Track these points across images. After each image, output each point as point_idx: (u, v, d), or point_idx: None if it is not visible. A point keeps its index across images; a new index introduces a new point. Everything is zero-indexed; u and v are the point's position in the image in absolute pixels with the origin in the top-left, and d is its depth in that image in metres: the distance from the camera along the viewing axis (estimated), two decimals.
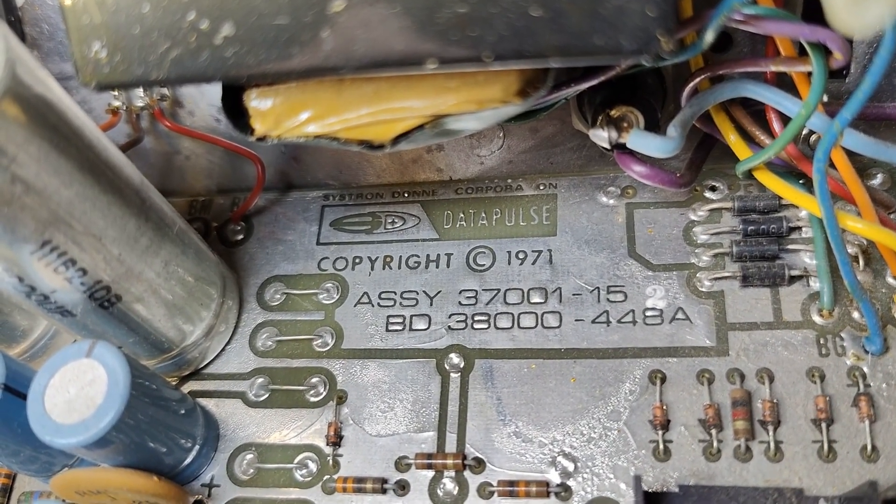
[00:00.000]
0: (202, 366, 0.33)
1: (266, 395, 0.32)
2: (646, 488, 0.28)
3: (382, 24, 0.20)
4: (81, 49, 0.22)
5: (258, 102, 0.25)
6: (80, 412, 0.26)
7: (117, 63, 0.22)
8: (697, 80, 0.29)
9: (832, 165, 0.30)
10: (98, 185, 0.25)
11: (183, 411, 0.30)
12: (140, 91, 0.36)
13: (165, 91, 0.35)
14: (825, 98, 0.30)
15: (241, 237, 0.37)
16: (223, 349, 0.34)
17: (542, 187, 0.35)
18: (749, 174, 0.32)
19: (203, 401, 0.32)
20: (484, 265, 0.34)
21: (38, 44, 0.36)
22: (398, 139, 0.25)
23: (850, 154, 0.30)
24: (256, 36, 0.21)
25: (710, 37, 0.23)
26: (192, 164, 0.38)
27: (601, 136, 0.27)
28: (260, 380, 0.33)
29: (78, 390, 0.26)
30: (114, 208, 0.26)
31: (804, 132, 0.32)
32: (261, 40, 0.21)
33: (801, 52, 0.26)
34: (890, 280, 0.30)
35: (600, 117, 0.28)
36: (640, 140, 0.27)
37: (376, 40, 0.20)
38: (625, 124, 0.28)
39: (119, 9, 0.22)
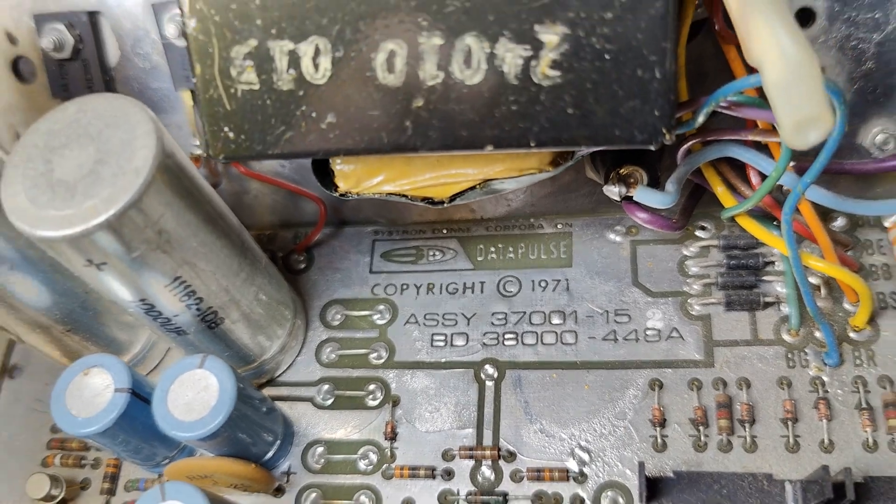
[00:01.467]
0: (276, 375, 0.39)
1: (332, 400, 0.38)
2: (648, 474, 0.34)
3: (452, 116, 0.27)
4: (213, 130, 0.29)
5: (342, 166, 0.32)
6: (197, 412, 0.32)
7: (242, 141, 0.28)
8: (690, 143, 0.36)
9: (799, 212, 0.37)
10: (214, 232, 0.31)
11: (266, 411, 0.36)
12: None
13: None
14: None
15: (303, 266, 0.43)
16: (293, 361, 0.40)
17: (559, 226, 0.41)
18: (732, 219, 0.38)
19: (278, 404, 0.38)
20: (512, 292, 0.40)
21: None
22: (454, 197, 0.31)
23: (815, 203, 0.37)
24: (354, 123, 0.28)
25: (701, 119, 0.30)
26: (260, 202, 0.44)
27: (613, 191, 0.34)
28: (326, 387, 0.39)
29: (194, 395, 0.32)
30: (224, 250, 0.32)
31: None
32: (357, 126, 0.28)
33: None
34: (846, 306, 0.36)
35: (612, 175, 0.34)
36: (644, 195, 0.34)
37: (447, 129, 0.27)
38: (631, 180, 0.34)
39: (246, 100, 0.28)
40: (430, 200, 0.31)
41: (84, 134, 0.28)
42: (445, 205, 0.31)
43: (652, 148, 0.26)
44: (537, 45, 0.25)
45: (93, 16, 0.41)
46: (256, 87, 0.28)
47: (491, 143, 0.27)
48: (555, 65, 0.25)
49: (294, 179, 0.43)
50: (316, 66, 0.27)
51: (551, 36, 0.25)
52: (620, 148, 0.27)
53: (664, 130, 0.25)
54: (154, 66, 0.41)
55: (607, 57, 0.25)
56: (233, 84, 0.28)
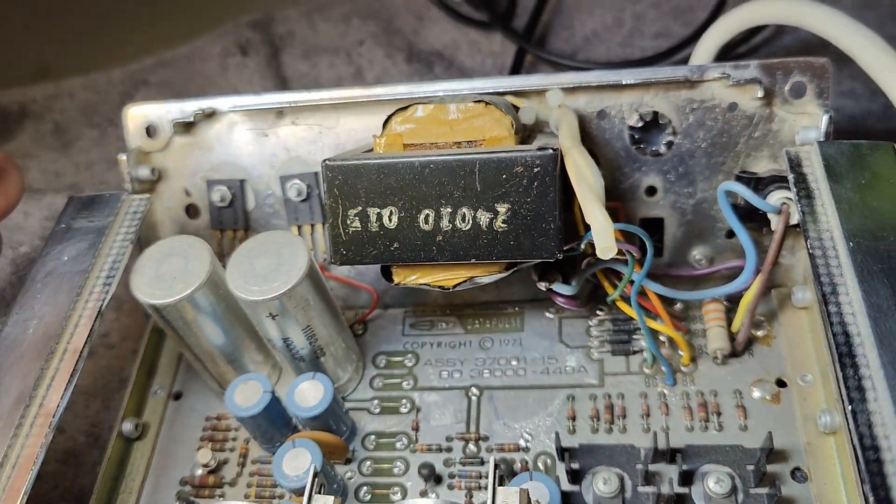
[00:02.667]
0: (346, 395, 0.55)
1: (379, 409, 0.54)
2: (564, 444, 0.47)
3: (456, 245, 0.53)
4: (335, 249, 0.53)
5: (397, 269, 0.57)
6: (311, 402, 0.55)
7: (349, 254, 0.52)
8: (587, 259, 0.58)
9: (649, 298, 0.63)
10: (328, 305, 0.52)
11: (344, 411, 0.57)
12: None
13: (325, 255, 0.66)
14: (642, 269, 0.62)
15: (361, 332, 0.60)
16: (356, 387, 0.56)
17: (516, 308, 0.58)
18: (615, 303, 0.61)
19: (350, 412, 0.57)
20: (488, 346, 0.57)
21: (256, 230, 0.60)
22: (455, 286, 0.55)
23: (659, 295, 0.62)
24: (408, 246, 0.51)
25: (582, 246, 0.57)
26: (335, 293, 0.67)
27: (541, 285, 0.58)
28: (375, 401, 0.54)
29: (309, 392, 0.56)
30: (328, 312, 0.53)
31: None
32: (409, 248, 0.51)
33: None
34: (679, 352, 0.54)
35: (542, 277, 0.61)
36: (559, 287, 0.58)
37: (453, 251, 0.50)
38: (552, 279, 0.60)
39: (353, 235, 0.52)
40: (442, 287, 0.56)
41: (269, 250, 0.54)
42: (451, 290, 0.55)
43: (552, 260, 0.52)
44: (495, 213, 0.51)
45: (242, 182, 0.63)
46: (359, 229, 0.51)
47: (474, 258, 0.52)
48: (504, 221, 0.50)
49: (356, 279, 0.67)
50: (390, 220, 0.51)
51: (502, 208, 0.51)
52: (537, 261, 0.53)
53: (556, 252, 0.52)
54: (275, 212, 0.59)
55: (528, 218, 0.50)
56: (347, 227, 0.52)
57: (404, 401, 0.56)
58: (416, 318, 0.61)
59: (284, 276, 0.48)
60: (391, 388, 0.56)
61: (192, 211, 0.61)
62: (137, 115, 0.57)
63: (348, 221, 0.50)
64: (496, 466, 0.41)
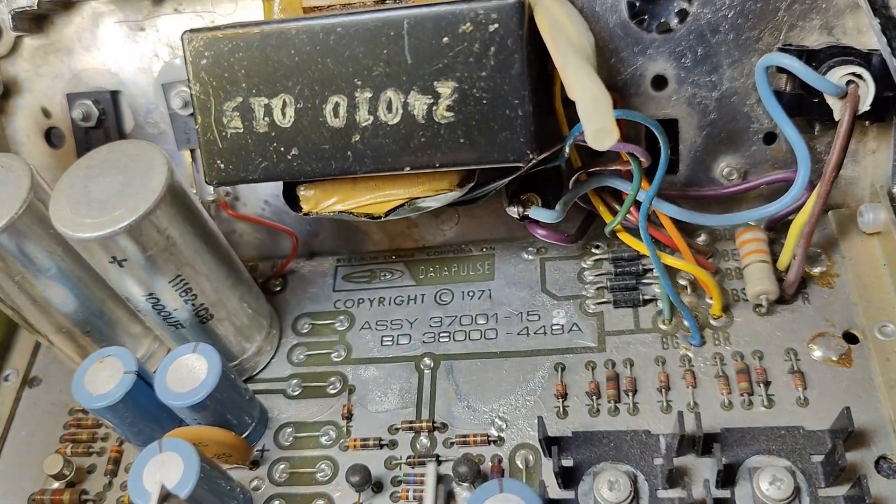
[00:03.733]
0: (255, 373, 0.46)
1: (300, 391, 0.45)
2: (550, 434, 0.41)
3: (380, 147, 0.37)
4: (209, 162, 0.38)
5: (305, 192, 0.41)
6: (189, 385, 0.40)
7: (230, 170, 0.38)
8: (577, 174, 0.45)
9: (664, 228, 0.46)
10: (207, 244, 0.40)
11: (247, 397, 0.44)
12: (211, 189, 0.52)
13: (229, 189, 0.52)
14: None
15: (279, 289, 0.50)
16: (269, 362, 0.47)
17: (484, 249, 0.49)
18: (616, 235, 0.48)
19: (257, 396, 0.46)
20: (446, 301, 0.48)
21: None
22: (388, 213, 0.40)
23: (680, 221, 0.46)
24: (311, 154, 0.37)
25: (566, 150, 0.40)
26: (244, 239, 0.52)
27: (513, 211, 0.43)
28: (295, 381, 0.45)
29: (188, 372, 0.40)
30: (214, 258, 0.41)
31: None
32: (313, 157, 0.37)
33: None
34: (707, 300, 0.44)
35: (513, 199, 0.44)
36: (537, 212, 0.43)
37: (376, 156, 0.36)
38: (529, 203, 0.44)
39: (233, 140, 0.38)
40: (370, 216, 0.40)
41: (114, 167, 0.38)
42: (382, 219, 0.40)
43: (521, 165, 0.36)
44: (436, 96, 0.35)
45: (114, 94, 0.50)
46: (241, 130, 0.37)
47: (408, 166, 0.36)
48: (449, 108, 0.35)
49: (272, 219, 0.52)
50: (283, 115, 0.37)
51: (445, 89, 0.35)
52: (500, 166, 0.36)
53: (528, 152, 0.35)
54: (161, 132, 0.51)
55: (484, 102, 0.35)
56: (224, 129, 0.38)
57: (333, 379, 0.45)
58: (352, 268, 0.51)
59: (130, 200, 0.36)
60: (316, 361, 0.47)
61: (54, 137, 0.53)
62: None
63: (224, 120, 0.36)
64: (438, 479, 0.26)
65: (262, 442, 0.44)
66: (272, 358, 0.47)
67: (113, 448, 0.45)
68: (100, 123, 0.50)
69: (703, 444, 0.37)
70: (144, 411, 0.42)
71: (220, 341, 0.44)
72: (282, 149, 0.37)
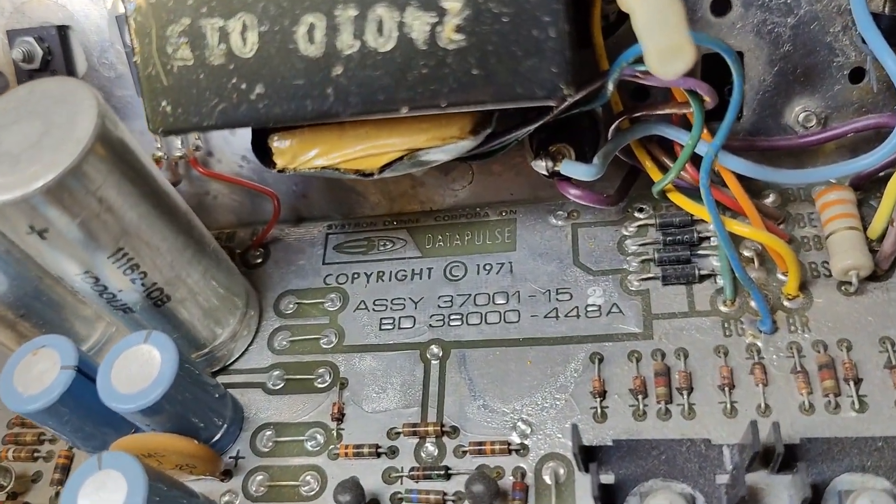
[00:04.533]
0: (229, 363, 0.40)
1: (282, 385, 0.39)
2: (586, 443, 0.34)
3: (369, 82, 0.29)
4: (152, 105, 0.31)
5: (279, 143, 0.33)
6: (138, 384, 0.33)
7: (179, 114, 0.30)
8: (618, 121, 0.37)
9: (725, 185, 0.38)
10: (157, 208, 0.33)
11: (217, 395, 0.37)
12: (178, 143, 0.44)
13: (199, 143, 0.44)
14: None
15: (260, 261, 0.44)
16: (246, 349, 0.41)
17: (504, 213, 0.43)
18: (666, 197, 0.40)
19: (231, 390, 0.39)
20: (458, 276, 0.41)
21: None
22: (383, 168, 0.33)
23: (746, 178, 0.38)
24: (280, 93, 0.29)
25: (610, 87, 0.32)
26: (220, 202, 0.46)
27: (540, 166, 0.35)
28: (276, 372, 0.40)
29: (137, 368, 0.33)
30: (167, 226, 0.34)
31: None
32: (283, 96, 0.29)
33: None
34: (780, 276, 0.37)
35: (541, 151, 0.36)
36: (570, 167, 0.35)
37: (365, 93, 0.29)
38: (560, 157, 0.36)
39: (181, 75, 0.30)
40: (361, 173, 0.32)
41: (32, 111, 0.30)
42: (375, 176, 0.32)
43: (553, 104, 0.28)
44: (441, 12, 0.27)
45: (62, 30, 0.44)
46: (191, 62, 0.30)
47: (406, 106, 0.28)
48: (458, 29, 0.27)
49: (253, 178, 0.45)
50: (244, 41, 0.29)
51: (453, 3, 0.27)
52: (524, 105, 0.28)
53: (562, 87, 0.27)
54: (119, 74, 0.44)
55: (505, 20, 0.27)
56: (169, 61, 0.30)
57: (322, 370, 0.40)
58: (345, 236, 0.45)
59: (50, 153, 0.29)
60: (302, 348, 0.41)
61: None
62: None
63: (169, 49, 0.30)
64: None
65: (237, 447, 0.38)
66: (250, 344, 0.42)
67: (62, 452, 0.40)
68: (45, 65, 0.44)
69: (781, 458, 0.31)
70: (90, 413, 0.35)
71: (184, 326, 0.37)
72: (243, 86, 0.29)
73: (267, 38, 0.28)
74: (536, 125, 0.34)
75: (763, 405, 0.34)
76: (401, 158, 0.32)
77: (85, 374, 0.34)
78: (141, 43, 0.30)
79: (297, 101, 0.29)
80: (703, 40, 0.30)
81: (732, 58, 0.29)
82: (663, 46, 0.21)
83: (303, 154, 0.33)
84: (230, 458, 0.37)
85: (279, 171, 0.33)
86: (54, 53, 0.44)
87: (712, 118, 0.34)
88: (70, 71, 0.44)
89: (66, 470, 0.39)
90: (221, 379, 0.40)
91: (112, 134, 0.30)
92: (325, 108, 0.29)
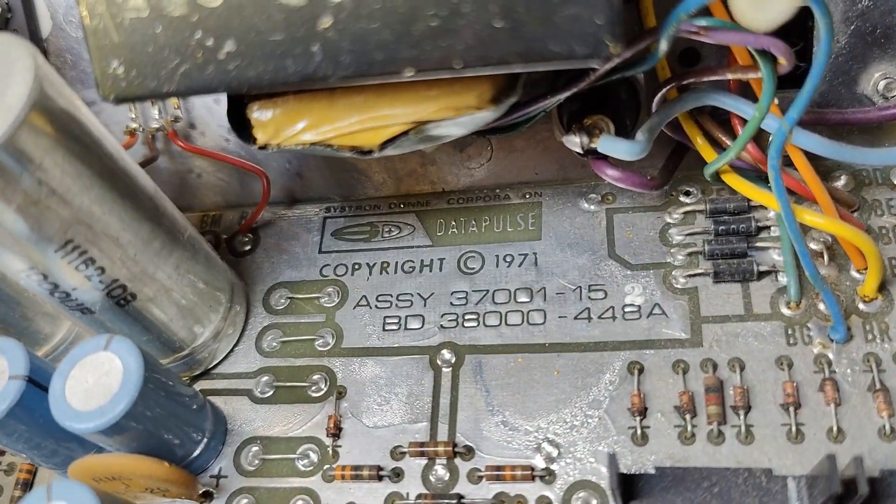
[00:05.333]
0: (211, 366, 0.36)
1: (271, 392, 0.35)
2: (624, 470, 0.29)
3: (364, 37, 0.23)
4: (102, 66, 0.25)
5: (259, 114, 0.28)
6: (97, 400, 0.28)
7: (133, 78, 0.25)
8: (665, 89, 0.32)
9: (794, 168, 0.32)
10: (115, 190, 0.28)
11: (194, 406, 0.32)
12: (155, 113, 0.39)
13: (179, 113, 0.38)
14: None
15: (248, 248, 0.40)
16: (231, 350, 0.36)
17: (527, 196, 0.38)
18: (719, 179, 0.34)
19: (212, 398, 0.34)
20: (474, 268, 0.36)
21: (63, 73, 0.39)
22: (385, 144, 0.27)
23: (815, 158, 0.32)
24: (255, 51, 0.24)
25: (663, 46, 0.26)
26: (204, 181, 0.41)
27: (574, 142, 0.30)
28: (265, 378, 0.35)
29: (96, 380, 0.28)
30: (129, 212, 0.28)
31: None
32: (259, 54, 0.24)
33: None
34: (854, 274, 0.32)
35: (574, 125, 0.30)
36: (609, 144, 0.30)
37: (359, 52, 0.23)
38: (596, 131, 0.30)
39: (134, 29, 0.25)
40: (358, 150, 0.27)
41: None
42: (375, 154, 0.27)
43: (596, 66, 0.22)
44: None
45: None
46: (145, 13, 0.24)
47: (410, 67, 0.23)
48: None
49: (240, 154, 0.40)
50: None
51: None
52: (560, 67, 0.22)
53: (608, 42, 0.21)
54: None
55: None
56: (119, 12, 0.24)
57: (317, 376, 0.35)
58: (345, 220, 0.40)
59: None
60: (294, 350, 0.37)
61: None
62: None
63: None
64: None
65: (219, 464, 0.34)
66: (236, 344, 0.37)
67: (23, 466, 0.36)
68: (5, 23, 0.40)
69: (848, 489, 0.26)
70: (49, 428, 0.30)
71: (155, 327, 0.32)
72: (209, 42, 0.24)
73: None
74: (569, 93, 0.28)
75: (835, 429, 0.29)
76: (405, 133, 0.26)
77: (38, 384, 0.30)
78: None
79: (275, 60, 0.24)
80: None
81: (820, 6, 0.23)
82: None
83: (288, 127, 0.27)
84: (211, 476, 0.33)
85: (260, 148, 0.28)
86: (14, 10, 0.39)
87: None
88: (32, 30, 0.40)
89: (27, 486, 0.35)
90: (203, 384, 0.35)
91: (54, 102, 0.25)
92: (310, 69, 0.23)
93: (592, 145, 0.30)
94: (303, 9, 0.23)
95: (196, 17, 0.24)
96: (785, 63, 0.26)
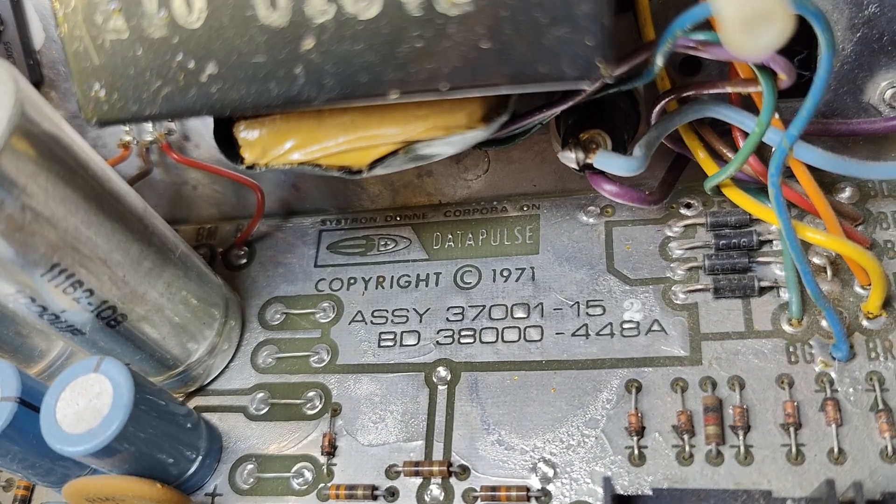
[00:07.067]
0: (207, 382, 0.35)
1: (266, 409, 0.34)
2: (620, 491, 0.29)
3: (348, 59, 0.23)
4: (83, 89, 0.25)
5: (246, 133, 0.28)
6: (87, 422, 0.28)
7: (115, 101, 0.25)
8: (664, 102, 0.31)
9: (797, 181, 0.31)
10: (102, 212, 0.27)
11: (188, 425, 0.32)
12: (149, 126, 0.38)
13: (173, 126, 0.38)
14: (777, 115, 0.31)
15: (244, 261, 0.39)
16: (226, 366, 0.36)
17: (525, 208, 0.37)
18: (720, 192, 0.33)
19: (207, 415, 0.34)
20: (470, 283, 0.36)
21: (56, 84, 0.39)
22: (374, 164, 0.27)
23: (817, 170, 0.32)
24: (238, 73, 0.24)
25: (659, 61, 0.25)
26: (199, 193, 0.41)
27: (569, 158, 0.29)
28: (260, 395, 0.35)
29: (86, 402, 0.28)
30: (117, 234, 0.28)
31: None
32: (241, 77, 0.24)
33: None
34: (857, 290, 0.31)
35: (570, 140, 0.30)
36: (605, 160, 0.29)
37: (343, 74, 0.23)
38: (593, 146, 0.30)
39: (115, 52, 0.24)
40: (347, 169, 0.27)
41: None
42: (365, 174, 0.26)
43: (587, 87, 0.21)
44: None
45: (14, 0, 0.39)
46: (125, 35, 0.24)
47: (396, 89, 0.22)
48: None
49: (236, 167, 0.39)
50: (189, 7, 0.23)
51: None
52: (549, 89, 0.22)
53: (599, 64, 0.21)
54: None
55: None
56: (100, 34, 0.24)
57: (311, 393, 0.35)
58: (341, 234, 0.40)
59: None
60: (289, 367, 0.36)
61: None
62: None
63: (99, 19, 0.24)
64: None
65: (214, 482, 0.34)
66: (231, 360, 0.36)
67: (20, 483, 0.36)
68: None
69: None
70: (43, 448, 0.30)
71: (148, 346, 0.32)
72: (190, 64, 0.23)
73: (218, 2, 0.22)
74: (565, 106, 0.28)
75: (836, 450, 0.29)
76: (395, 152, 0.26)
77: (30, 405, 0.29)
78: (65, 10, 0.24)
79: (258, 83, 0.23)
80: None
81: (821, 23, 0.22)
82: (748, 11, 0.15)
83: (275, 147, 0.27)
84: (206, 494, 0.33)
85: (248, 168, 0.27)
86: (6, 22, 0.39)
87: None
88: (25, 42, 0.39)
89: (25, 502, 0.34)
90: (198, 401, 0.35)
91: (36, 125, 0.25)
92: (293, 92, 0.23)
93: (589, 160, 0.29)
94: (284, 30, 0.23)
95: (177, 39, 0.23)
96: (785, 78, 0.26)
